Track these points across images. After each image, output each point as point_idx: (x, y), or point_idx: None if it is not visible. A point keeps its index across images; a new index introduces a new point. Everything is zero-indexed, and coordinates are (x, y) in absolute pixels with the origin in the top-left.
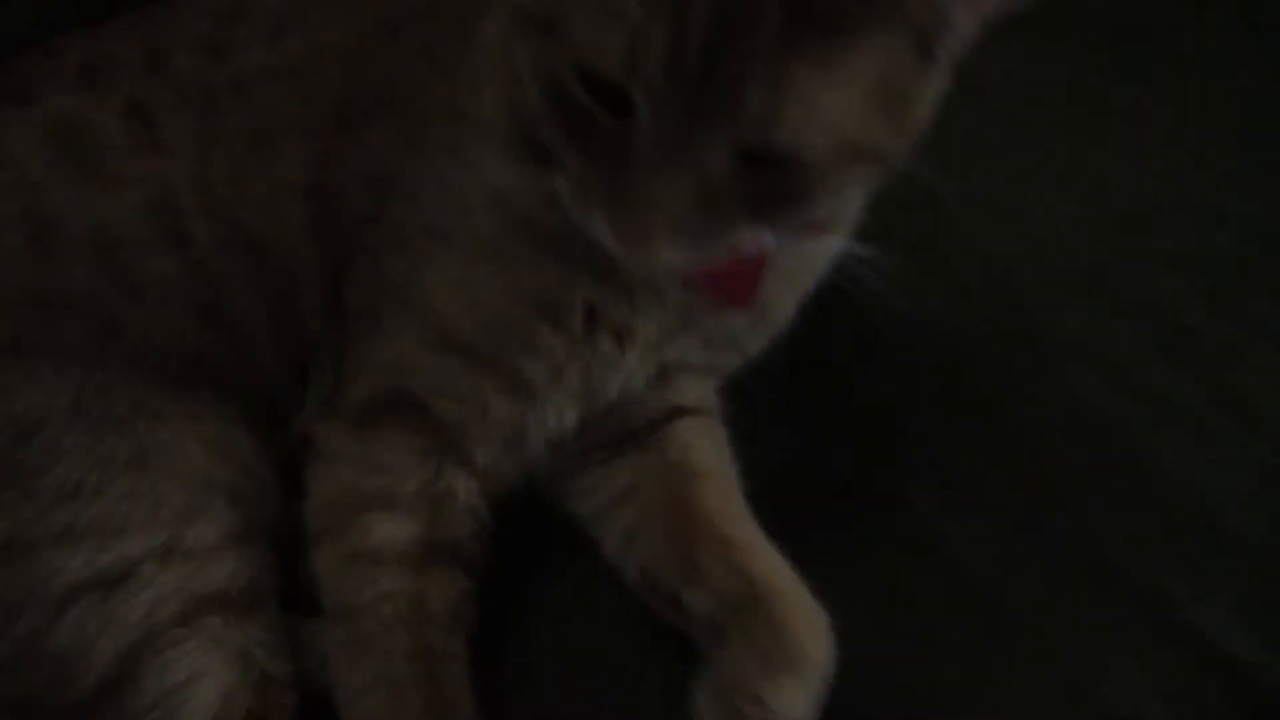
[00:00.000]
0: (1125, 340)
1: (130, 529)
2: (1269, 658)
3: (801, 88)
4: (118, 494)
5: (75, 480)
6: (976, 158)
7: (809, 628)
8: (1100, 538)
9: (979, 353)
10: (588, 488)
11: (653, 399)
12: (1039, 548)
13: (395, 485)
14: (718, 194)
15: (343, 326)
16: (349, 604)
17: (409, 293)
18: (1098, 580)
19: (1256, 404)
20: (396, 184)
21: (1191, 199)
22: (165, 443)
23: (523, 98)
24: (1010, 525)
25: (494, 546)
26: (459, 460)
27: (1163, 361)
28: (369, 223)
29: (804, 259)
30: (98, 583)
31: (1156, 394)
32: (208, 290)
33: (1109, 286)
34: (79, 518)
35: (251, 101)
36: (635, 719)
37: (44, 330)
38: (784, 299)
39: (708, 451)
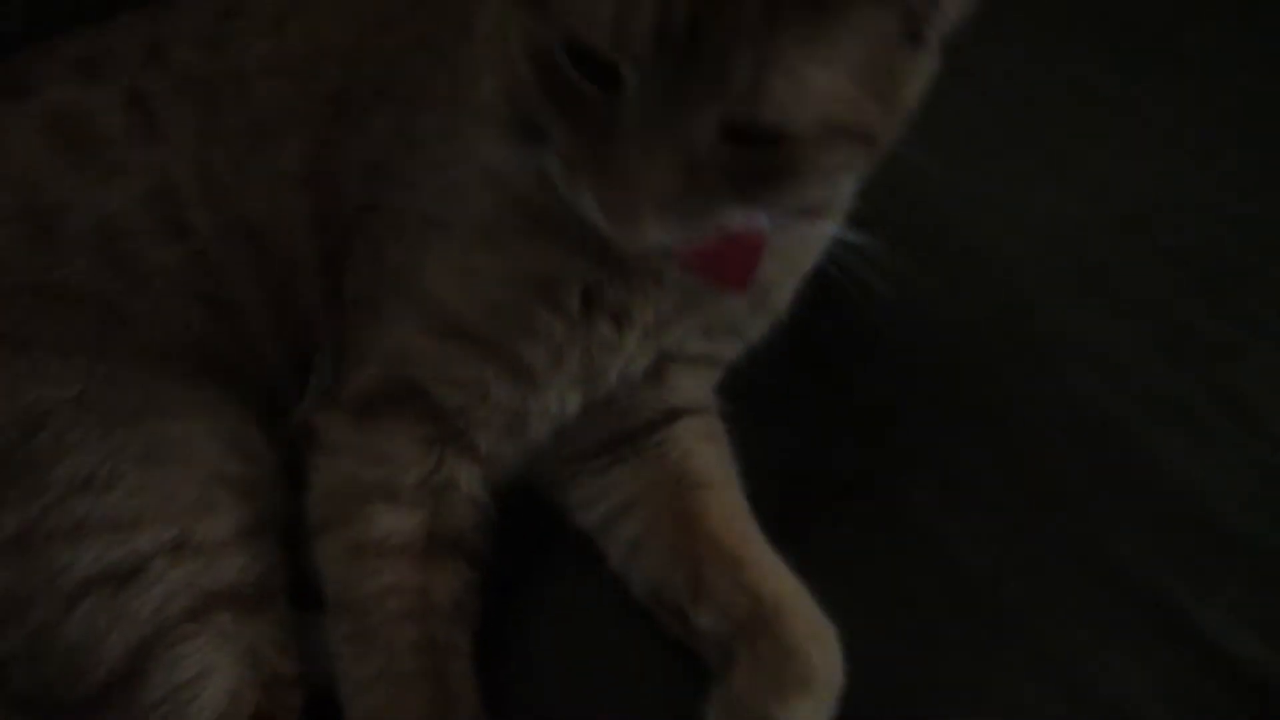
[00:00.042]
0: (1125, 339)
1: (142, 523)
2: (1269, 657)
3: (788, 63)
4: (129, 487)
5: (85, 473)
6: (977, 157)
7: (819, 645)
8: (1100, 537)
9: (979, 352)
10: (590, 498)
11: (651, 398)
12: (1039, 547)
13: (397, 476)
14: (704, 171)
15: (342, 316)
16: (352, 597)
17: (408, 280)
18: (1098, 579)
19: (1256, 403)
20: (395, 173)
21: (1192, 198)
22: (177, 435)
23: (517, 79)
24: (1010, 525)
25: (495, 546)
26: (461, 449)
27: (1163, 360)
28: (368, 212)
29: (801, 242)
30: (109, 577)
31: (1156, 393)
32: (209, 280)
33: (1109, 285)
34: (90, 512)
35: (252, 93)
36: (635, 719)
37: (49, 323)
38: (784, 283)
39: (709, 458)
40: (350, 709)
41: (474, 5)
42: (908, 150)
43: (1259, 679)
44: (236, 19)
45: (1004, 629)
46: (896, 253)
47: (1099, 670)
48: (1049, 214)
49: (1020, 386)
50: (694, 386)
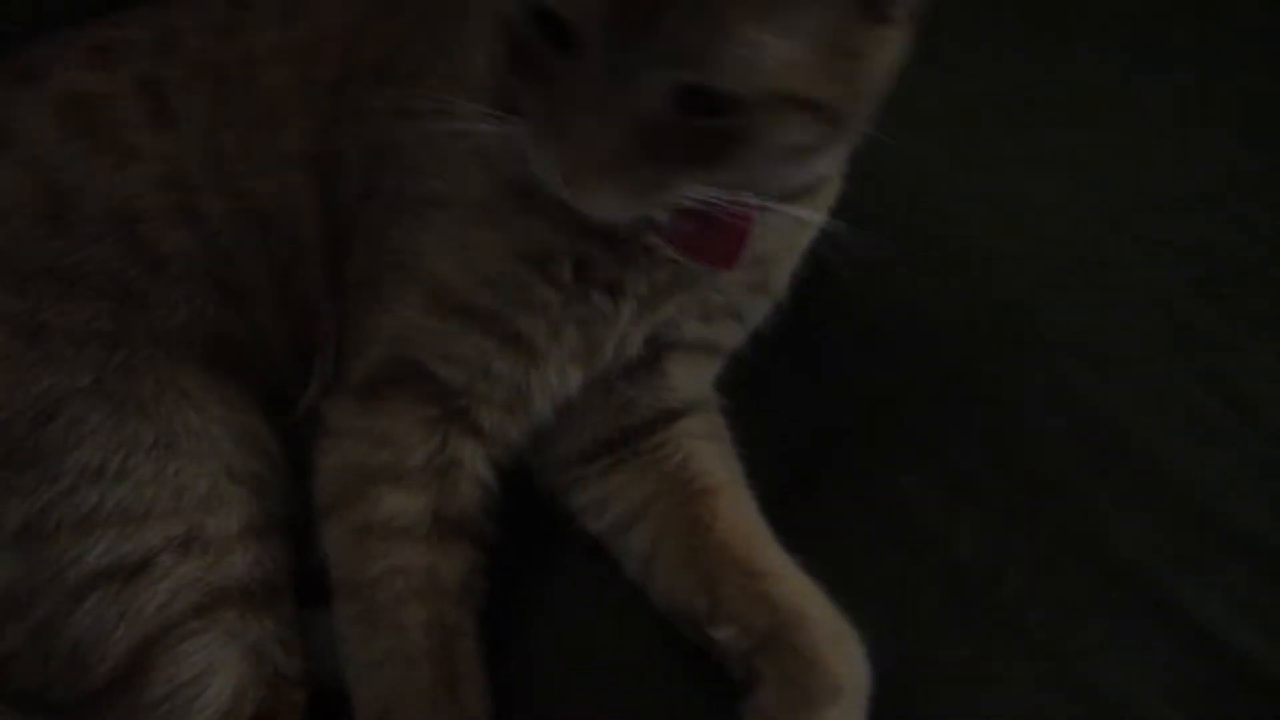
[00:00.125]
0: (1124, 335)
1: (152, 517)
2: (1268, 647)
3: (739, 29)
4: (141, 479)
5: (97, 463)
6: (976, 153)
7: (841, 651)
8: (1101, 532)
9: (979, 348)
10: (595, 504)
11: (650, 394)
12: (1039, 542)
13: (402, 457)
14: (657, 138)
15: (345, 300)
16: (359, 579)
17: (408, 260)
18: (1098, 575)
19: (1256, 398)
20: (395, 154)
21: (1191, 195)
22: (189, 427)
23: (496, 52)
24: (1010, 520)
25: (498, 544)
26: (465, 428)
27: (1162, 356)
28: (369, 194)
29: (796, 225)
30: (116, 571)
31: (1156, 389)
32: (221, 265)
33: (1108, 281)
34: (100, 503)
35: (259, 78)
36: (636, 718)
37: (64, 309)
38: (780, 260)
39: (713, 458)
40: (357, 692)
41: None
42: (907, 146)
43: (1260, 672)
44: (247, 9)
45: (1004, 624)
46: (896, 249)
47: (1100, 665)
48: (1048, 211)
49: (1020, 382)
50: (693, 380)
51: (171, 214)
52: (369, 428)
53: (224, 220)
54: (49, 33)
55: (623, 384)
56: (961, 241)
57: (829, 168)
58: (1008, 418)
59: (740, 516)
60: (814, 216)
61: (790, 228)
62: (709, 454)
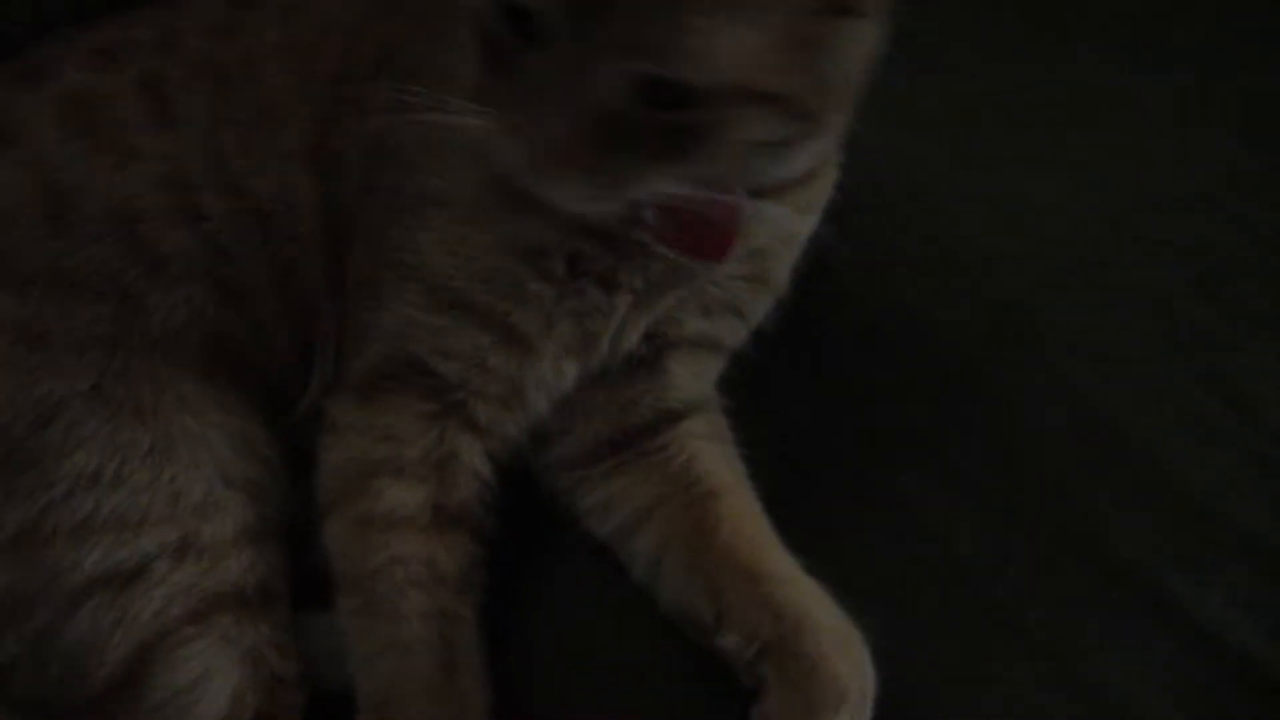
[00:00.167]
0: (1124, 333)
1: (148, 523)
2: (1268, 647)
3: (695, 19)
4: (137, 485)
5: (94, 468)
6: (976, 153)
7: (845, 656)
8: (1100, 531)
9: (978, 347)
10: (600, 507)
11: (652, 394)
12: (1038, 541)
13: (401, 451)
14: (618, 130)
15: (346, 299)
16: (360, 571)
17: (407, 257)
18: (1098, 573)
19: (1255, 396)
20: (393, 151)
21: (1190, 194)
22: (186, 432)
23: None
24: (1010, 519)
25: (499, 540)
26: (462, 422)
27: (1161, 354)
28: (368, 192)
29: (792, 218)
30: (112, 578)
31: (1155, 387)
32: (222, 265)
33: (1107, 281)
34: (97, 509)
35: (259, 76)
36: (636, 716)
37: (64, 313)
38: (779, 253)
39: (716, 459)
40: (360, 684)
41: None
42: (907, 146)
43: (1260, 672)
44: (249, 9)
45: (1004, 624)
46: (896, 249)
47: (1100, 665)
48: (1048, 211)
49: (1020, 382)
50: (695, 379)
51: (172, 214)
52: (370, 423)
53: (224, 219)
54: (49, 33)
55: (624, 383)
56: (961, 241)
57: (809, 161)
58: (1008, 418)
59: (744, 519)
60: (791, 216)
61: (786, 220)
62: (712, 455)
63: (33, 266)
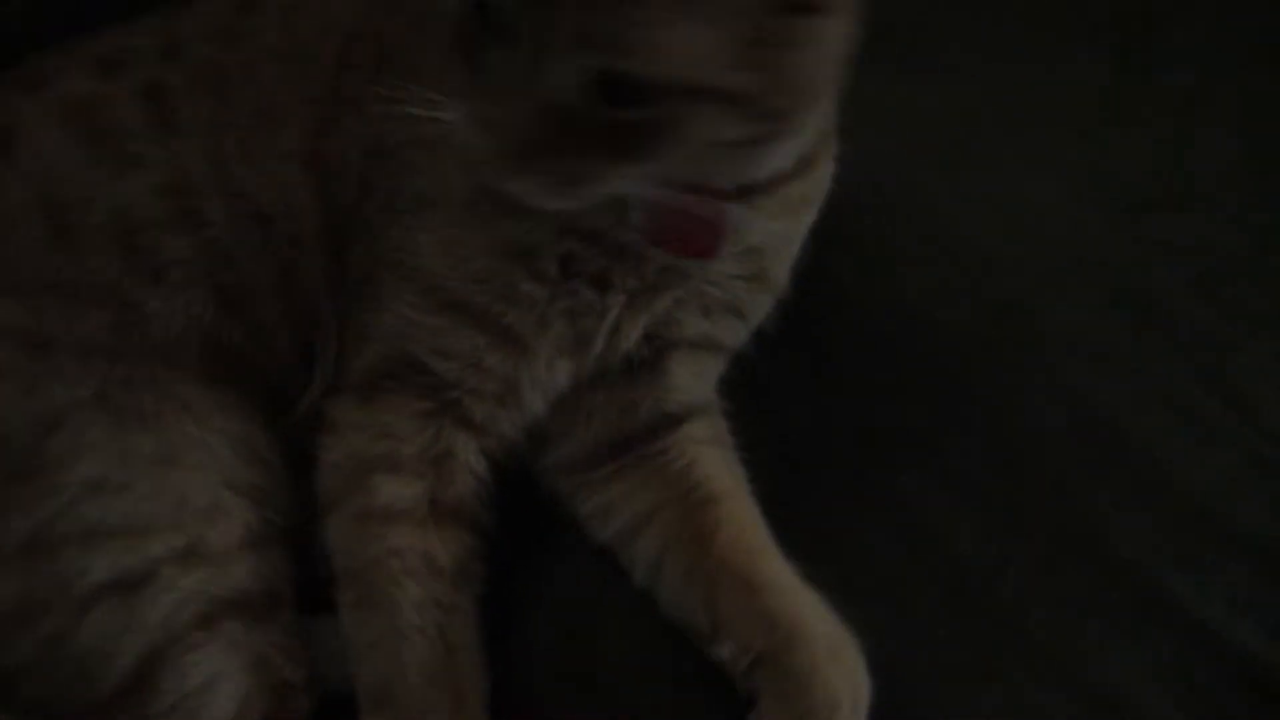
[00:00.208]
0: (1124, 332)
1: (154, 529)
2: (1268, 647)
3: (653, 14)
4: (142, 492)
5: (98, 476)
6: (976, 153)
7: (839, 669)
8: (1100, 531)
9: (978, 347)
10: (600, 511)
11: (652, 397)
12: (1038, 542)
13: (399, 448)
14: (577, 127)
15: (346, 299)
16: (358, 563)
17: (405, 257)
18: (1097, 574)
19: (1255, 396)
20: (393, 151)
21: (1189, 194)
22: (192, 438)
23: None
24: (1009, 519)
25: (499, 538)
26: (457, 420)
27: (1161, 354)
28: (367, 193)
29: (789, 215)
30: (120, 584)
31: (1155, 387)
32: (223, 270)
33: (1107, 280)
34: (103, 517)
35: (259, 79)
36: (636, 715)
37: (66, 322)
38: (777, 251)
39: (716, 464)
40: (359, 678)
41: None
42: (907, 146)
43: (1260, 672)
44: (253, 14)
45: (1004, 624)
46: (896, 249)
47: (1100, 663)
48: (1048, 211)
49: (1018, 381)
50: (696, 381)
51: (173, 220)
52: (368, 421)
53: (226, 224)
54: (49, 33)
55: (625, 385)
56: (961, 241)
57: (784, 160)
58: (1007, 418)
59: (742, 526)
60: (767, 224)
61: (786, 226)
62: (712, 460)
63: (37, 274)
